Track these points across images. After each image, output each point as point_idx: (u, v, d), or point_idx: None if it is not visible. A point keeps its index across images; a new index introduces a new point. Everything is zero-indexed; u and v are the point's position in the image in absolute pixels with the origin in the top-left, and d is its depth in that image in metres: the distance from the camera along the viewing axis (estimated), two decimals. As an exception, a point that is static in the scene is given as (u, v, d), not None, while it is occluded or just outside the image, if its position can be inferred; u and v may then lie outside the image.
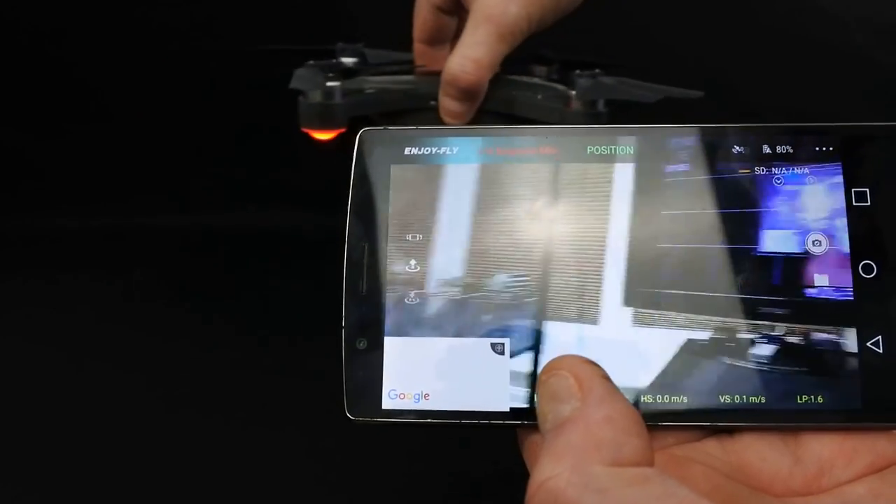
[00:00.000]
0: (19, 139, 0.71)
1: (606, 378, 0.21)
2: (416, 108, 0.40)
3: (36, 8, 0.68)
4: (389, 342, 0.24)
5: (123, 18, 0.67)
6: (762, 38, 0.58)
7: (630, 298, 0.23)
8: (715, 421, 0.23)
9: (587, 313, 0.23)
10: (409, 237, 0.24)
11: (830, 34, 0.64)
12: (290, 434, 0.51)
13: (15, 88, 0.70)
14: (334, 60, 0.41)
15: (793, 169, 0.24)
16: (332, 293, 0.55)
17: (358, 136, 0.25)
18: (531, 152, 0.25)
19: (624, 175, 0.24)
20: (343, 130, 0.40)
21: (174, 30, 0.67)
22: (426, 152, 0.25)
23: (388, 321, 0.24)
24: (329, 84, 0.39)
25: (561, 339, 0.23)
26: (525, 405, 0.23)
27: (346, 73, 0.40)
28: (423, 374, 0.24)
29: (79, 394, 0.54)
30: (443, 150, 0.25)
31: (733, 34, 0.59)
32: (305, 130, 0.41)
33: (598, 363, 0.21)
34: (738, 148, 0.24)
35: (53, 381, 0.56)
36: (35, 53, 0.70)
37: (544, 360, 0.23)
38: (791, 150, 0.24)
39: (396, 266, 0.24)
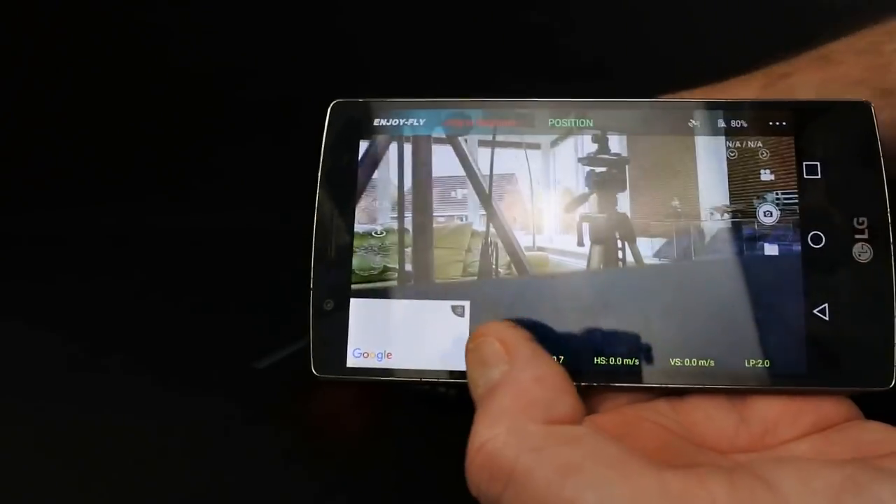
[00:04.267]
0: (19, 138, 0.72)
1: (532, 340, 0.22)
2: None
3: (40, 8, 0.68)
4: (355, 303, 0.25)
5: (124, 18, 0.68)
6: (763, 38, 0.58)
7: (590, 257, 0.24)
8: (665, 383, 0.24)
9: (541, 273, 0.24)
10: (377, 203, 0.25)
11: (831, 35, 0.64)
12: (291, 434, 0.51)
13: (15, 88, 0.71)
14: None
15: (747, 142, 0.25)
16: None
17: (330, 107, 0.26)
18: (495, 124, 0.26)
19: (584, 145, 0.25)
20: None
21: (175, 31, 0.68)
22: (394, 123, 0.26)
23: (355, 284, 0.25)
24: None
25: (518, 301, 0.24)
26: (483, 365, 0.24)
27: None
28: (387, 334, 0.25)
29: (78, 394, 0.54)
30: (410, 121, 0.26)
31: (733, 34, 0.59)
32: None
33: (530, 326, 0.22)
34: (693, 121, 0.25)
35: (53, 381, 0.56)
36: (34, 54, 0.70)
37: (502, 318, 0.24)
38: (745, 125, 0.25)
39: (363, 230, 0.25)
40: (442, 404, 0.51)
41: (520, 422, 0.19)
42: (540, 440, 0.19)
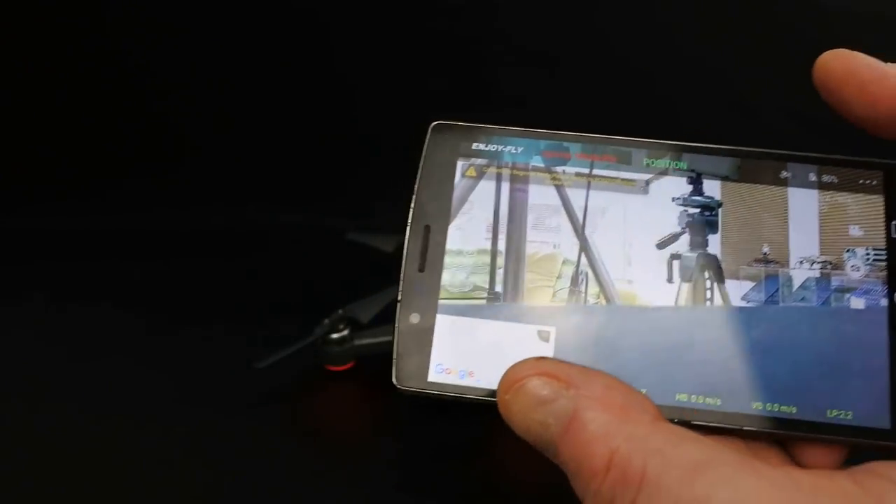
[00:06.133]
0: (19, 139, 0.72)
1: (564, 361, 0.22)
2: None
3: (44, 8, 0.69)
4: (441, 319, 0.25)
5: (125, 19, 0.69)
6: (763, 39, 0.59)
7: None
8: (745, 426, 0.24)
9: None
10: (471, 224, 0.26)
11: (833, 35, 0.65)
12: (291, 434, 0.51)
13: (15, 90, 0.72)
14: (340, 312, 0.52)
15: (837, 197, 0.25)
16: (331, 292, 0.55)
17: (430, 128, 0.27)
18: (592, 159, 0.26)
19: (679, 186, 0.26)
20: (352, 364, 0.52)
21: (177, 29, 0.68)
22: (492, 149, 0.27)
23: (443, 300, 0.25)
24: (338, 335, 0.51)
25: (604, 331, 0.25)
26: (565, 392, 0.24)
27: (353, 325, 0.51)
28: (471, 352, 0.25)
29: (78, 393, 0.54)
30: (508, 148, 0.27)
31: (733, 35, 0.60)
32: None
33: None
34: (786, 173, 0.26)
35: (54, 379, 0.55)
36: (32, 54, 0.71)
37: (587, 349, 0.24)
38: (836, 181, 0.26)
39: (456, 248, 0.26)
40: (442, 404, 0.51)
41: (630, 428, 0.19)
42: (659, 442, 0.19)
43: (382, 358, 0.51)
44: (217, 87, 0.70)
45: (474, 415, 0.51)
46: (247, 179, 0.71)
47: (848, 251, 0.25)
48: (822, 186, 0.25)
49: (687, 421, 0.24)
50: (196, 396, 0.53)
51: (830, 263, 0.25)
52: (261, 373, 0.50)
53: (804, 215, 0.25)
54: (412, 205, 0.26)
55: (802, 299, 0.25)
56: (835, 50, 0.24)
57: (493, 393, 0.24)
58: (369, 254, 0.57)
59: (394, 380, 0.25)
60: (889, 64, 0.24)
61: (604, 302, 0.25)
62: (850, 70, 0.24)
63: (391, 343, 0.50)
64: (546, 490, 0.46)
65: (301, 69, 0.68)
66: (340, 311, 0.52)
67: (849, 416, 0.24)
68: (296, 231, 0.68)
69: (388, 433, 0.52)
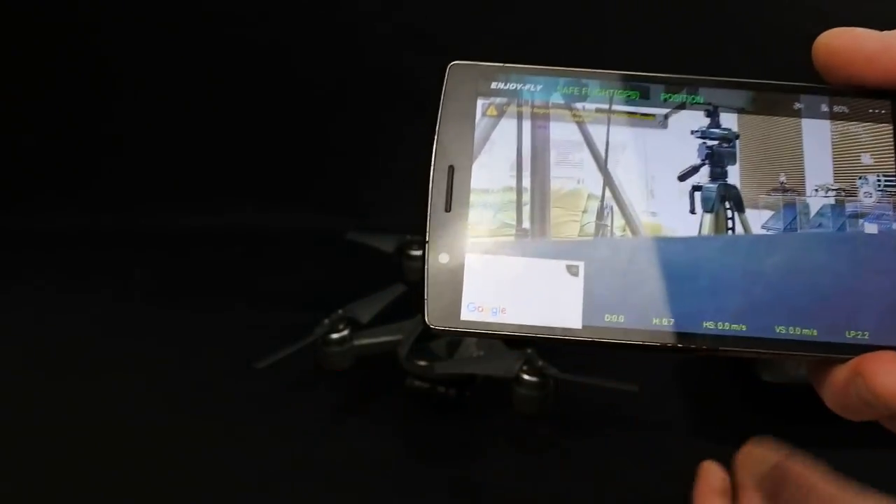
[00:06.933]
0: (19, 140, 0.70)
1: None
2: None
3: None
4: (470, 258, 0.25)
5: (124, 18, 0.67)
6: (763, 39, 0.60)
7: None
8: (770, 350, 0.25)
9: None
10: (494, 161, 0.26)
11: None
12: (291, 433, 0.51)
13: (16, 90, 0.69)
14: (340, 312, 0.52)
15: (849, 126, 0.26)
16: (331, 292, 0.55)
17: (448, 68, 0.27)
18: (610, 94, 0.26)
19: (697, 119, 0.26)
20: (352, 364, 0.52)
21: (178, 28, 0.67)
22: (511, 87, 0.27)
23: (471, 238, 0.25)
24: (338, 335, 0.51)
25: (632, 263, 0.25)
26: (597, 324, 0.25)
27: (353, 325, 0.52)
28: (501, 289, 0.25)
29: (79, 392, 0.54)
30: (528, 86, 0.27)
31: (734, 35, 0.61)
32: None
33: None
34: (799, 104, 0.26)
35: (52, 379, 0.55)
36: (32, 54, 0.69)
37: (616, 281, 0.25)
38: (847, 111, 0.26)
39: (481, 187, 0.26)
40: (442, 404, 0.52)
41: None
42: None
43: (382, 358, 0.51)
44: (216, 87, 0.69)
45: (475, 414, 0.52)
46: (246, 179, 0.70)
47: (860, 178, 0.26)
48: (833, 116, 0.26)
49: (715, 348, 0.25)
50: (196, 396, 0.53)
51: (844, 191, 0.26)
52: (261, 373, 0.49)
53: (818, 145, 0.26)
54: (434, 145, 0.26)
55: (819, 226, 0.25)
56: (831, 29, 0.25)
57: (527, 329, 0.25)
58: (369, 254, 0.56)
59: (426, 320, 0.25)
60: (886, 32, 0.24)
61: (630, 234, 0.25)
62: (854, 46, 0.24)
63: (391, 343, 0.52)
64: (546, 490, 0.47)
65: (301, 69, 0.67)
66: (340, 311, 0.52)
67: (866, 336, 0.24)
68: (296, 231, 0.67)
69: (387, 433, 0.51)
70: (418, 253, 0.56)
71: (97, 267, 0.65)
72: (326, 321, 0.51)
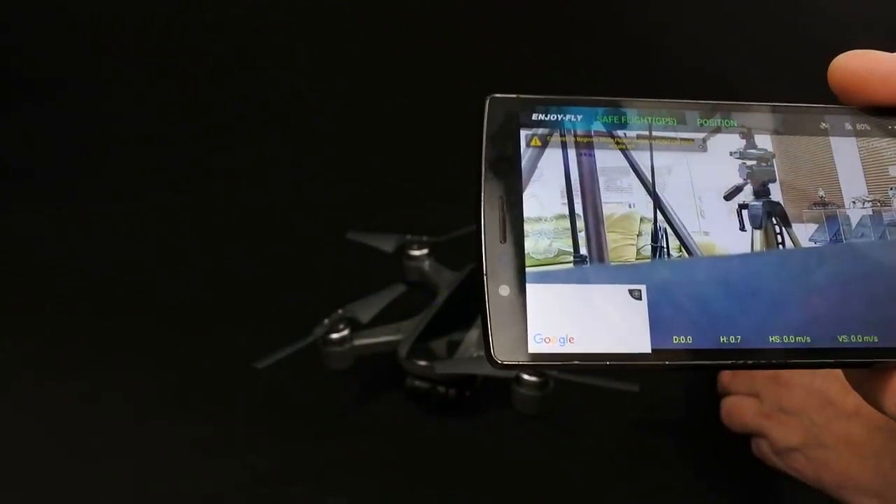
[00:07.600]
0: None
1: None
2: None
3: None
4: (532, 288, 0.24)
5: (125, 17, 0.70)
6: (765, 39, 0.63)
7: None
8: (836, 359, 0.25)
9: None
10: (545, 190, 0.26)
11: (835, 37, 0.70)
12: (291, 433, 0.51)
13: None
14: (340, 312, 0.52)
15: (873, 142, 0.27)
16: (332, 293, 0.55)
17: (487, 101, 0.26)
18: (649, 121, 0.27)
19: (734, 142, 0.27)
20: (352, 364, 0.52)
21: (179, 26, 0.70)
22: (552, 118, 0.27)
23: (530, 268, 0.25)
24: (338, 335, 0.51)
25: (693, 282, 0.25)
26: (666, 347, 0.24)
27: (353, 325, 0.52)
28: (566, 318, 0.24)
29: (76, 392, 0.53)
30: (568, 116, 0.27)
31: (734, 35, 0.64)
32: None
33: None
34: (825, 124, 0.27)
35: (48, 378, 0.55)
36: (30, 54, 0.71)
37: (680, 302, 0.24)
38: (869, 128, 0.27)
39: (534, 216, 0.25)
40: (442, 404, 0.51)
41: None
42: None
43: (382, 358, 0.51)
44: (215, 86, 0.71)
45: (475, 414, 0.51)
46: (246, 179, 0.71)
47: (892, 189, 0.27)
48: (858, 134, 0.27)
49: (784, 362, 0.24)
50: (196, 396, 0.53)
51: (879, 201, 0.26)
52: (261, 373, 0.49)
53: (848, 160, 0.27)
54: (482, 179, 0.26)
55: (862, 235, 0.26)
56: (849, 52, 0.26)
57: (598, 357, 0.24)
58: (369, 254, 0.57)
59: (492, 357, 0.24)
60: None
61: (686, 255, 0.25)
62: (870, 67, 0.26)
63: (391, 343, 0.51)
64: (546, 490, 0.46)
65: (301, 69, 0.69)
66: (340, 311, 0.52)
67: None
68: (296, 231, 0.67)
69: (387, 433, 0.51)
70: (418, 253, 0.57)
71: (97, 266, 0.64)
72: (326, 321, 0.51)
